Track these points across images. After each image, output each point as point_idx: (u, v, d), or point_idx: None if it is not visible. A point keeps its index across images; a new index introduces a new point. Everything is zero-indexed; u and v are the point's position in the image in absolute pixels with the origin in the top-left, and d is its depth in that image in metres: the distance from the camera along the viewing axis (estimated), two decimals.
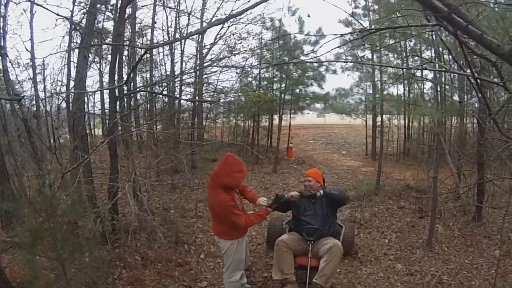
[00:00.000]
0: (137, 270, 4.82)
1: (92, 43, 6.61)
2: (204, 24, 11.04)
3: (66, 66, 8.86)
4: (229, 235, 4.02)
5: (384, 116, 11.68)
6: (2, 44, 6.92)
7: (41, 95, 8.37)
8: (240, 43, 11.32)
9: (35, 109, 7.66)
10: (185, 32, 10.98)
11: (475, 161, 6.96)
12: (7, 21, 7.18)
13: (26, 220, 2.98)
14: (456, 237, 6.28)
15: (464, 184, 7.48)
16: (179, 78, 9.63)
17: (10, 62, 7.53)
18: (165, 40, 11.13)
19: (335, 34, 2.87)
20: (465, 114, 9.70)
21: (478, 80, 3.05)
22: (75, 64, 6.51)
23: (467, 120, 10.51)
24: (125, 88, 5.91)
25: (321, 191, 4.46)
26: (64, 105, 8.12)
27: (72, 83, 8.53)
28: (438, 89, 11.02)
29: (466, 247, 5.94)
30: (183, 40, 10.96)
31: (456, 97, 10.75)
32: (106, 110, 8.93)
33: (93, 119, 10.91)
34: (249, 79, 13.17)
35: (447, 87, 11.03)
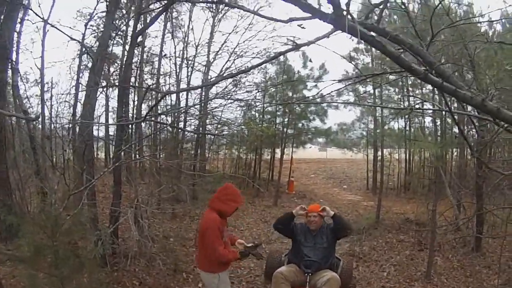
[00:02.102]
0: None
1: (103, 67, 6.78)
2: (211, 57, 11.41)
3: (74, 88, 9.05)
4: (210, 267, 3.86)
5: (385, 150, 11.80)
6: (14, 59, 7.12)
7: (47, 110, 8.56)
8: (245, 77, 11.57)
9: (40, 126, 7.76)
10: (192, 62, 11.31)
11: (474, 193, 7.01)
12: (21, 37, 7.41)
13: (29, 235, 3.05)
14: (455, 269, 6.27)
15: (464, 215, 7.51)
16: (184, 110, 9.82)
17: (20, 77, 7.70)
18: (171, 70, 11.45)
19: (333, 80, 3.04)
20: (465, 147, 9.81)
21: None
22: (82, 86, 6.67)
23: (466, 151, 10.61)
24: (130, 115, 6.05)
25: (331, 213, 4.48)
26: (70, 126, 8.22)
27: (78, 105, 8.76)
28: (438, 123, 11.15)
29: (466, 277, 5.93)
30: (188, 69, 11.29)
31: (456, 130, 10.89)
32: (110, 134, 9.07)
33: (96, 142, 11.02)
34: (253, 112, 13.40)
35: (448, 120, 11.18)
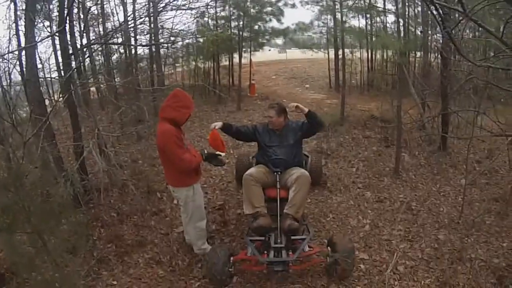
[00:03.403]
0: (114, 227, 4.80)
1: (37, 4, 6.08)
2: None
3: (15, 36, 8.22)
4: (182, 181, 3.83)
5: (346, 49, 11.63)
6: None
7: None
8: None
9: None
10: None
11: (439, 93, 7.11)
12: None
13: None
14: (422, 166, 6.55)
15: (429, 114, 7.69)
16: (132, 26, 9.15)
17: None
18: None
19: None
20: (429, 49, 9.78)
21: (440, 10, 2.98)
22: (24, 32, 5.98)
23: (430, 54, 10.63)
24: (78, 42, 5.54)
25: (306, 109, 4.38)
26: (18, 75, 7.55)
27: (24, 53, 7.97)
28: (401, 22, 10.93)
29: (433, 175, 6.21)
30: None
31: (419, 32, 10.80)
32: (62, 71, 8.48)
33: (51, 85, 10.34)
34: (206, 19, 12.81)
35: (410, 20, 10.99)
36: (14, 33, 8.13)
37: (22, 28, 7.76)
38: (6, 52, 7.78)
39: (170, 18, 10.81)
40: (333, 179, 6.09)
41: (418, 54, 11.34)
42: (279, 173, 4.26)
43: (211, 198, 5.65)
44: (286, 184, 4.17)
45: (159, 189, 5.88)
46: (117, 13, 11.02)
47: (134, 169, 6.43)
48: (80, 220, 4.17)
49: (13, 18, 8.08)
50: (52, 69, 10.48)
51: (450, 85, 6.63)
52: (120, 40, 9.22)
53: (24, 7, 7.36)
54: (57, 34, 5.23)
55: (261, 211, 3.99)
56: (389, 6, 11.82)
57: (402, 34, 10.45)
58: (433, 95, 7.82)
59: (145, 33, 10.36)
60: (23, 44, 7.22)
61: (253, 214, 4.02)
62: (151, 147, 7.67)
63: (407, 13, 10.96)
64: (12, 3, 8.01)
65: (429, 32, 10.33)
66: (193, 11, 11.25)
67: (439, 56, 8.13)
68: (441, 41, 7.65)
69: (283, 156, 4.35)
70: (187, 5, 10.70)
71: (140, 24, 9.51)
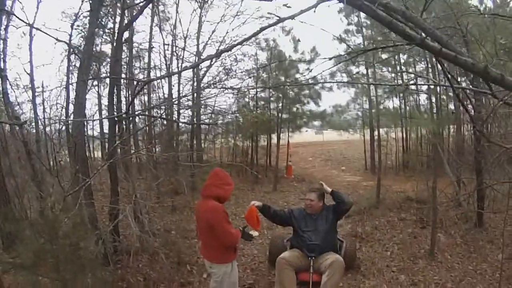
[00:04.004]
0: None
1: (91, 67, 6.69)
2: (200, 47, 11.27)
3: (65, 89, 8.95)
4: (222, 258, 3.80)
5: (381, 129, 11.79)
6: (2, 66, 7.03)
7: (40, 115, 8.41)
8: (236, 65, 11.52)
9: (34, 131, 7.69)
10: (182, 54, 11.20)
11: (473, 168, 7.01)
12: (7, 44, 7.29)
13: (28, 242, 2.99)
14: (458, 245, 6.27)
15: (464, 191, 7.51)
16: (177, 101, 9.75)
17: (10, 84, 7.56)
18: (161, 63, 11.34)
19: (324, 58, 2.93)
20: (462, 122, 9.78)
21: (467, 91, 3.11)
22: (73, 87, 6.58)
23: (463, 128, 10.60)
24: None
25: (329, 189, 4.44)
26: (63, 127, 8.15)
27: (71, 106, 8.62)
28: (433, 100, 11.11)
29: (469, 253, 5.93)
30: (179, 61, 11.19)
31: (452, 106, 10.89)
32: (105, 132, 9.01)
33: (92, 142, 10.96)
34: (246, 99, 13.35)
35: (442, 97, 11.16)
36: (64, 86, 8.83)
37: (71, 80, 8.49)
38: (58, 117, 8.42)
39: (212, 95, 11.28)
40: (367, 263, 5.88)
41: (452, 129, 11.29)
42: (314, 258, 4.27)
43: (242, 277, 5.53)
44: (320, 268, 4.17)
45: (189, 262, 5.85)
46: (162, 86, 11.78)
47: (167, 239, 6.46)
48: (105, 278, 4.21)
49: (65, 71, 8.86)
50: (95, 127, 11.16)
51: (484, 159, 6.52)
52: (163, 112, 9.73)
53: (76, 64, 8.10)
54: (116, 116, 5.65)
55: None
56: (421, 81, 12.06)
57: (435, 111, 10.54)
58: (468, 171, 7.68)
59: (188, 108, 10.88)
60: (71, 98, 7.79)
61: None
62: (185, 219, 7.78)
63: (438, 89, 11.13)
64: (66, 58, 8.81)
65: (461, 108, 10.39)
66: (235, 91, 11.77)
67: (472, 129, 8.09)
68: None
69: (318, 241, 4.39)
70: (230, 85, 11.33)
71: (184, 100, 10.08)
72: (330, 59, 3.05)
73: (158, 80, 11.48)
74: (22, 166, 6.74)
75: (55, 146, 7.10)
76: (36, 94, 8.28)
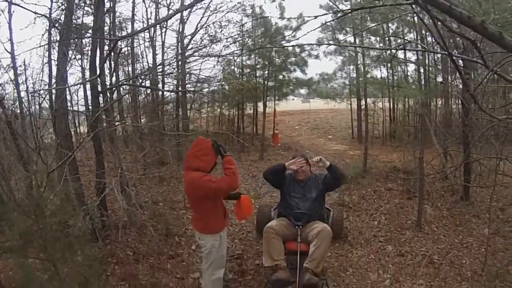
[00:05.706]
0: (129, 266, 4.79)
1: (71, 39, 6.42)
2: (184, 14, 10.91)
3: (47, 64, 8.60)
4: (213, 227, 3.82)
5: (368, 99, 11.76)
6: None
7: (23, 94, 8.13)
8: (221, 31, 11.25)
9: (18, 110, 7.45)
10: (165, 23, 10.83)
11: (460, 142, 7.07)
12: None
13: (15, 223, 2.90)
14: (445, 217, 6.38)
15: (451, 164, 7.58)
16: (161, 70, 9.50)
17: None
18: (144, 33, 11.01)
19: (309, 16, 2.86)
20: (450, 95, 9.78)
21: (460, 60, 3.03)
22: (56, 62, 6.30)
23: (451, 101, 10.63)
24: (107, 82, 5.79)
25: (327, 163, 4.42)
26: (47, 105, 7.86)
27: (54, 82, 8.32)
28: (422, 70, 11.06)
29: (456, 226, 6.05)
30: (162, 30, 10.87)
31: (440, 79, 10.87)
32: (90, 107, 8.79)
33: (77, 117, 10.71)
34: (232, 67, 13.11)
35: (431, 68, 11.12)
36: (46, 61, 8.52)
37: (54, 57, 8.17)
38: (39, 87, 8.15)
39: (197, 64, 11.04)
40: (354, 233, 5.98)
41: (440, 102, 11.34)
42: (301, 227, 4.27)
43: (230, 247, 5.56)
44: (307, 238, 4.16)
45: (177, 233, 5.87)
46: (146, 55, 11.46)
47: (154, 211, 6.45)
48: (95, 254, 4.18)
49: (46, 47, 8.51)
50: (80, 103, 10.90)
51: (471, 133, 6.58)
52: (148, 82, 9.54)
53: (58, 38, 7.80)
54: (88, 81, 5.45)
55: (280, 264, 3.98)
56: (409, 54, 12.00)
57: (423, 83, 10.52)
58: (455, 144, 7.74)
59: (173, 77, 10.68)
60: (54, 74, 7.54)
61: (272, 267, 4.01)
62: (172, 190, 7.73)
63: (427, 61, 11.08)
64: (47, 33, 8.46)
65: (449, 79, 10.38)
66: (220, 58, 11.53)
67: (460, 103, 8.11)
68: (461, 87, 7.67)
69: (306, 210, 4.38)
70: (214, 53, 11.09)
71: (168, 68, 9.85)
72: (315, 17, 2.97)
73: (142, 49, 11.19)
74: (7, 147, 6.51)
75: (36, 122, 6.86)
76: (19, 73, 7.98)
